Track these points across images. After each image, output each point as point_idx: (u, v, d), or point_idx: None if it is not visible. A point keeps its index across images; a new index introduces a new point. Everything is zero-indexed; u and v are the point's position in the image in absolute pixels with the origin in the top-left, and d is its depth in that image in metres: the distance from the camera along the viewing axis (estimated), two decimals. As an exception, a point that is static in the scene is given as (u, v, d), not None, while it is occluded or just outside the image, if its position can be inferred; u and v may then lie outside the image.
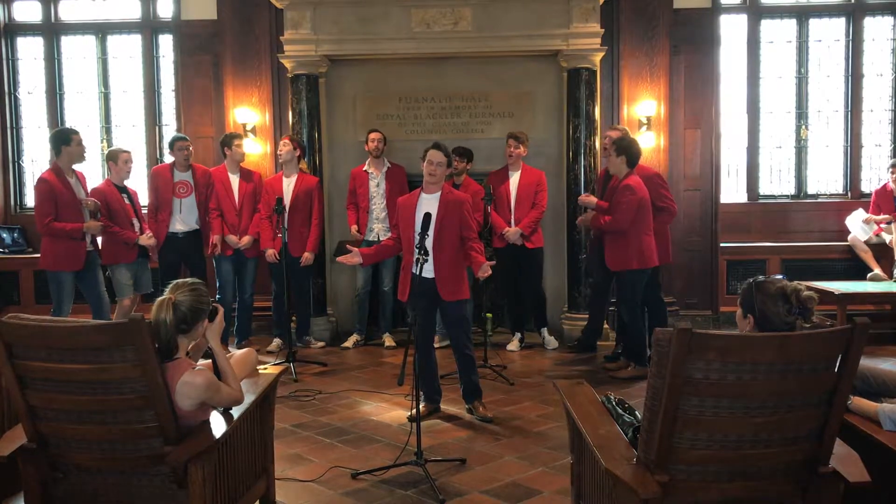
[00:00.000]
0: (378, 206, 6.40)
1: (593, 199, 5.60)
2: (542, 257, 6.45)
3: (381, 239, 6.24)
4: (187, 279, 2.73)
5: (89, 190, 5.78)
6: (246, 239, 6.20)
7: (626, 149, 5.40)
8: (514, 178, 6.27)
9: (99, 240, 5.75)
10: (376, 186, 6.42)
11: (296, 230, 6.18)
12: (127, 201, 5.86)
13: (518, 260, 6.29)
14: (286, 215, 6.01)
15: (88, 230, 5.54)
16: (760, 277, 2.61)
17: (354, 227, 6.43)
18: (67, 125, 7.78)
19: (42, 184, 5.46)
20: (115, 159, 5.87)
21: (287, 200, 6.11)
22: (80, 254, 5.52)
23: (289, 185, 6.21)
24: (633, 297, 5.46)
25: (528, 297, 6.41)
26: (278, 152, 6.31)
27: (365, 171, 6.46)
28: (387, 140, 6.52)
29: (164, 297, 2.61)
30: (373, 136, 6.44)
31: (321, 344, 6.58)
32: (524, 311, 6.54)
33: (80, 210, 5.52)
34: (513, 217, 6.23)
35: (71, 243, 5.47)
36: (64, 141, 5.49)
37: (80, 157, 5.61)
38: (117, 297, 5.88)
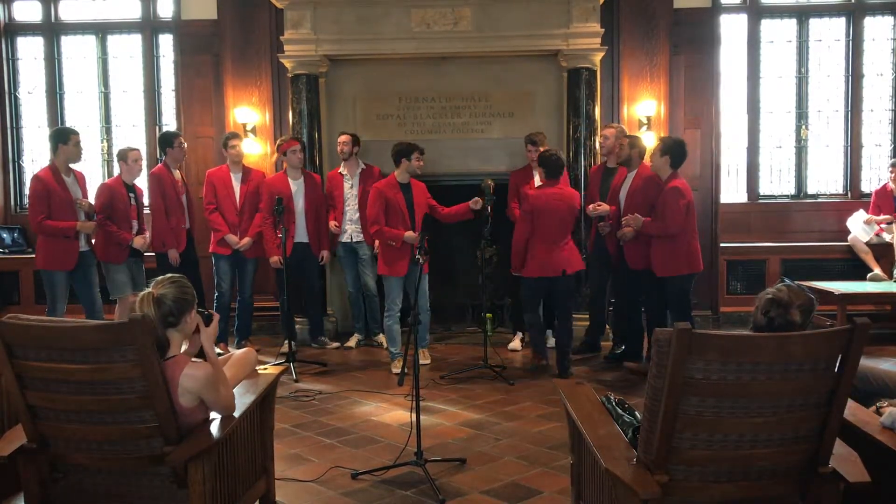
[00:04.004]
0: (351, 207, 6.38)
1: (605, 207, 5.61)
2: None
3: (354, 240, 6.34)
4: (168, 274, 2.73)
5: (96, 186, 5.76)
6: (245, 241, 6.19)
7: (672, 148, 5.21)
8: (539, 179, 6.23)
9: (93, 239, 5.71)
10: (350, 188, 6.40)
11: (312, 229, 6.25)
12: (133, 202, 5.85)
13: None
14: (302, 217, 6.15)
15: (82, 230, 5.53)
16: (786, 281, 2.61)
17: (333, 223, 6.39)
18: (68, 125, 7.79)
19: (36, 182, 5.48)
20: (125, 158, 5.85)
21: (300, 202, 6.17)
22: (73, 253, 5.51)
23: (298, 187, 6.20)
24: (682, 302, 5.27)
25: None
26: (288, 159, 6.17)
27: (340, 173, 6.45)
28: (359, 141, 6.46)
29: (144, 292, 2.61)
30: (342, 138, 6.39)
31: (336, 344, 6.55)
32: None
33: (74, 209, 5.52)
34: None
35: (64, 242, 5.47)
36: (62, 139, 5.51)
37: (77, 157, 5.61)
38: (112, 296, 5.83)
